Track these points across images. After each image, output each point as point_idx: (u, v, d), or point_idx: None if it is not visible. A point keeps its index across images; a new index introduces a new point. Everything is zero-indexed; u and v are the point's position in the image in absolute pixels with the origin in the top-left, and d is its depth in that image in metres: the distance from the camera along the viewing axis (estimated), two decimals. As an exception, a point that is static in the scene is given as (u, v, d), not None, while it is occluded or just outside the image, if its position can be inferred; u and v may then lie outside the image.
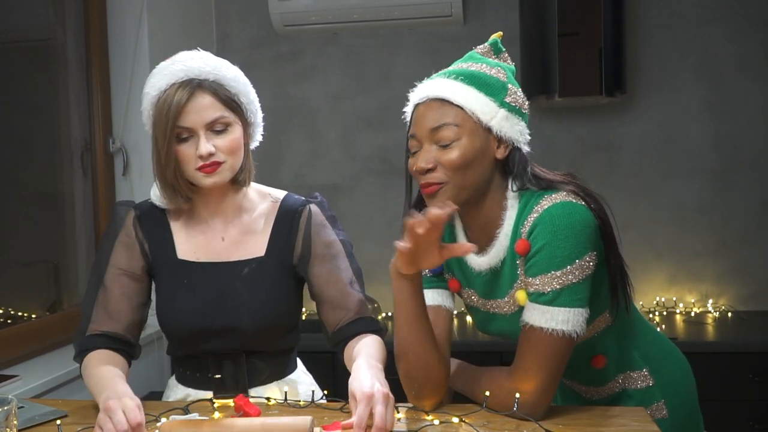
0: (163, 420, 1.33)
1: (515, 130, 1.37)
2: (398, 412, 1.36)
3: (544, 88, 2.87)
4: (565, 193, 1.32)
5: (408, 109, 1.43)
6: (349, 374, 1.34)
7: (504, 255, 1.39)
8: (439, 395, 1.39)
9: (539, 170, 1.40)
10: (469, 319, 2.88)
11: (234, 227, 1.56)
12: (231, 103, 1.47)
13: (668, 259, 3.11)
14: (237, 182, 1.53)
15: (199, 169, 1.45)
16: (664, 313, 3.04)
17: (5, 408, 1.13)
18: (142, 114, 1.51)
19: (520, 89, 1.41)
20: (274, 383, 1.57)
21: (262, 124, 1.59)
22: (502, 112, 1.35)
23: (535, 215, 1.32)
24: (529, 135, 1.42)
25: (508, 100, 1.37)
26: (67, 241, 2.68)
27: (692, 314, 3.01)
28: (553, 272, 1.29)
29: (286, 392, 1.50)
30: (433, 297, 1.48)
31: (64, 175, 2.68)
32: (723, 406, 2.54)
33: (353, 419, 1.19)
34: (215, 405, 1.45)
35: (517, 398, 1.30)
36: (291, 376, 1.61)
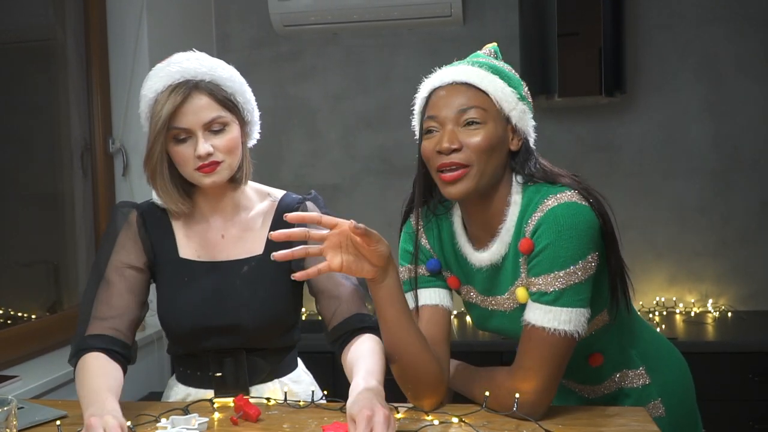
0: (164, 420, 1.33)
1: (529, 125, 1.41)
2: (398, 413, 1.36)
3: (544, 88, 2.87)
4: (569, 193, 1.33)
5: (421, 94, 1.43)
6: (349, 381, 1.34)
7: (506, 251, 1.39)
8: (437, 394, 1.39)
9: (545, 162, 1.42)
10: (469, 319, 2.87)
11: (233, 225, 1.57)
12: (227, 102, 1.48)
13: (668, 259, 3.11)
14: (235, 180, 1.54)
15: (198, 169, 1.46)
16: (664, 313, 3.04)
17: (5, 408, 1.13)
18: (140, 116, 1.52)
19: None
20: (275, 381, 1.57)
21: (259, 122, 1.60)
22: (521, 105, 1.39)
23: (539, 214, 1.32)
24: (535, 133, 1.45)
25: (524, 94, 1.41)
26: (67, 241, 2.68)
27: (692, 314, 3.01)
28: (556, 272, 1.29)
29: (286, 393, 1.50)
30: (430, 296, 1.48)
31: (64, 176, 2.68)
32: (723, 406, 2.54)
33: None
34: (215, 405, 1.45)
35: (517, 398, 1.30)
36: (291, 375, 1.61)
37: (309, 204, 1.59)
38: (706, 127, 3.07)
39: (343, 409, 1.39)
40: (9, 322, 2.36)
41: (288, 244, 1.54)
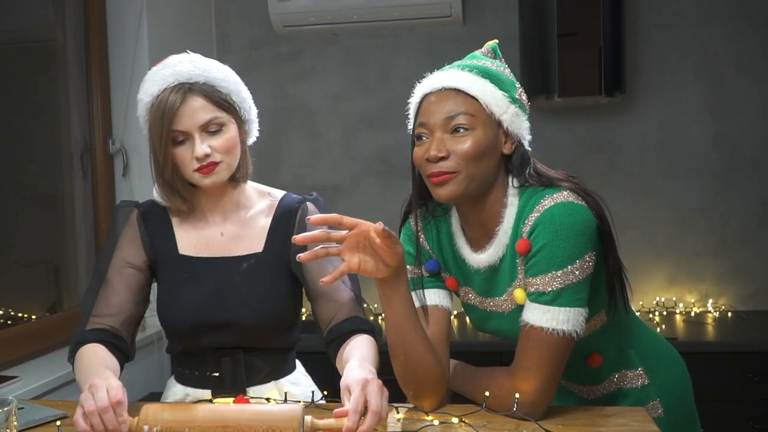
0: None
1: (522, 127, 1.40)
2: (398, 413, 1.37)
3: (543, 88, 2.87)
4: (566, 192, 1.33)
5: (414, 99, 1.43)
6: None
7: (503, 252, 1.39)
8: (438, 395, 1.39)
9: (541, 167, 1.41)
10: (468, 319, 2.87)
11: (233, 223, 1.58)
12: (223, 103, 1.49)
13: (668, 259, 3.11)
14: (235, 179, 1.55)
15: (197, 170, 1.47)
16: (664, 313, 3.04)
17: (5, 409, 1.13)
18: (138, 119, 1.53)
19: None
20: (272, 383, 1.57)
21: (258, 121, 1.60)
22: (513, 108, 1.38)
23: (536, 214, 1.32)
24: (530, 134, 1.44)
25: (517, 96, 1.40)
26: (67, 241, 2.68)
27: (692, 314, 3.01)
28: (553, 272, 1.29)
29: (285, 393, 1.50)
30: (430, 297, 1.48)
31: (64, 176, 2.68)
32: (723, 406, 2.54)
33: (348, 406, 1.18)
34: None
35: (517, 398, 1.30)
36: (289, 377, 1.61)
37: (309, 205, 1.60)
38: (706, 127, 3.07)
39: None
40: (9, 322, 2.36)
41: (285, 241, 1.55)
